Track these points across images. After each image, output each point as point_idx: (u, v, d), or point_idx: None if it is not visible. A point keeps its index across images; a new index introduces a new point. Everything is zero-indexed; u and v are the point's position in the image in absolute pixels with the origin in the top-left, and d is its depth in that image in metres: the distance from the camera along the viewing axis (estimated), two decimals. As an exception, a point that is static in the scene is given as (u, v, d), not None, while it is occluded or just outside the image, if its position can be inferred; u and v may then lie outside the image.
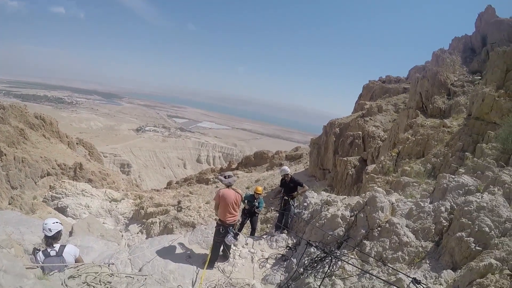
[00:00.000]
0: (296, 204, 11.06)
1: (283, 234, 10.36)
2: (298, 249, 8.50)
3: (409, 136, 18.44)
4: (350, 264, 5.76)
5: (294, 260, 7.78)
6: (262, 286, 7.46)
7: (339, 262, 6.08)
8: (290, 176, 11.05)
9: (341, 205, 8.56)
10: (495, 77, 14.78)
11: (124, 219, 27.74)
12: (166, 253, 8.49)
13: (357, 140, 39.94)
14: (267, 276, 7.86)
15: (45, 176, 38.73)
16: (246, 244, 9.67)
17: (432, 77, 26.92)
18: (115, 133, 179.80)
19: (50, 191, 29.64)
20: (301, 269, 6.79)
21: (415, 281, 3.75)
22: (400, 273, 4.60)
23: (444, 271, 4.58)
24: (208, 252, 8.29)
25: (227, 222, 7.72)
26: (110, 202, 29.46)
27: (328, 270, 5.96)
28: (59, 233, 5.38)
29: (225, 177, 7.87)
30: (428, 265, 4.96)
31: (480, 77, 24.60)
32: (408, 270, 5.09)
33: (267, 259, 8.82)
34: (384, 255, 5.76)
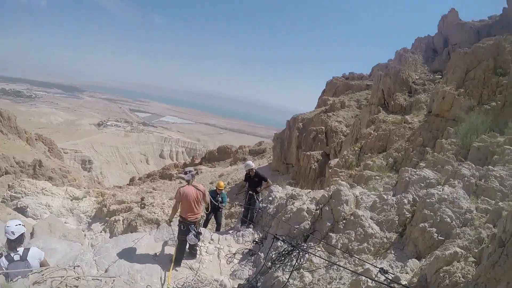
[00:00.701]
0: (261, 198, 11.13)
1: (249, 228, 10.41)
2: (265, 244, 8.57)
3: (371, 131, 18.81)
4: (317, 256, 5.86)
5: (262, 255, 7.85)
6: (231, 281, 7.47)
7: (307, 255, 6.17)
8: (254, 170, 11.10)
9: (306, 198, 8.66)
10: (455, 76, 15.29)
11: (87, 217, 27.08)
12: (132, 252, 8.34)
13: (320, 135, 40.37)
14: (235, 271, 7.89)
15: (3, 175, 36.92)
16: (212, 240, 9.64)
17: (395, 75, 27.43)
18: (76, 128, 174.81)
19: (8, 190, 28.68)
20: (269, 263, 6.84)
21: (383, 271, 3.85)
22: (367, 263, 4.72)
23: (410, 260, 4.73)
24: (174, 249, 8.23)
25: (188, 219, 7.60)
26: (71, 200, 28.66)
27: (296, 263, 6.04)
28: (22, 236, 5.16)
29: (185, 173, 7.76)
30: (394, 255, 5.11)
31: (440, 76, 25.29)
32: (374, 260, 5.22)
33: (234, 254, 8.84)
34: (350, 247, 5.88)
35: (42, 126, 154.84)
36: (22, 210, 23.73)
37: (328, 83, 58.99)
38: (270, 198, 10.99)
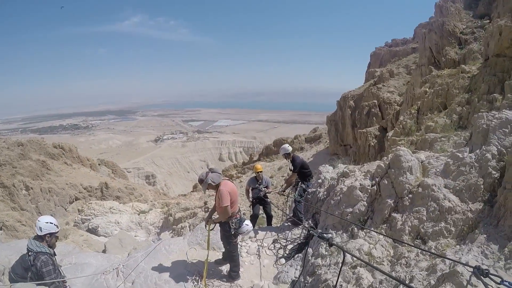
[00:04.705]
0: (303, 186, 9.37)
1: (298, 221, 8.84)
2: (314, 238, 7.06)
3: (427, 89, 16.89)
4: (379, 244, 4.38)
5: (310, 250, 6.35)
6: (273, 287, 6.17)
7: (366, 247, 4.71)
8: (292, 155, 9.38)
9: (359, 174, 6.99)
10: (507, 8, 13.36)
11: (155, 228, 28.01)
12: (164, 259, 7.34)
13: (373, 110, 38.85)
14: (279, 274, 6.56)
15: (73, 201, 39.26)
16: (255, 237, 8.46)
17: (439, 29, 25.48)
18: (134, 147, 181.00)
19: (79, 214, 29.88)
20: (319, 260, 5.43)
21: (479, 271, 2.23)
22: (447, 259, 3.10)
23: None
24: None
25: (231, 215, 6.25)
26: (138, 214, 30.00)
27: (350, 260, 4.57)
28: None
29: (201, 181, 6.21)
30: (485, 237, 3.53)
31: (488, 21, 23.00)
32: (458, 246, 3.68)
33: (279, 251, 7.71)
34: (423, 230, 4.33)
35: (103, 151, 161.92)
36: (93, 231, 24.90)
37: (372, 55, 57.62)
38: (320, 181, 9.22)
